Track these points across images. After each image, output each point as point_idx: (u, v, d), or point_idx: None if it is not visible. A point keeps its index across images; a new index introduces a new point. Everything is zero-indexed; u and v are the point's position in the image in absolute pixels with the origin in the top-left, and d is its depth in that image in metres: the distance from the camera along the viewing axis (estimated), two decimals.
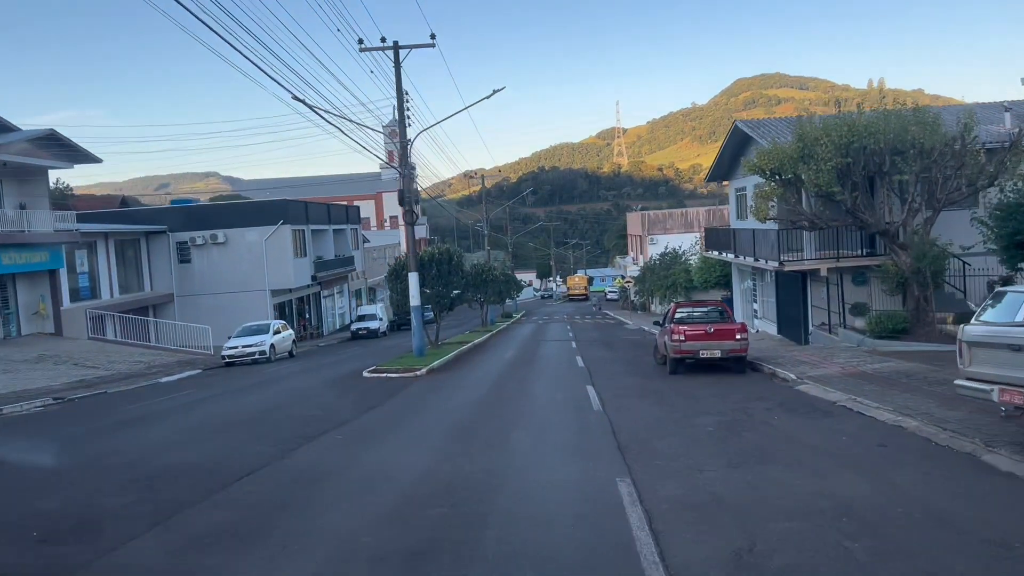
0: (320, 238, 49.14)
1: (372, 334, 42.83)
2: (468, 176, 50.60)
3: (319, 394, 17.02)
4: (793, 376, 15.81)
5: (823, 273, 22.12)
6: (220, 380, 22.63)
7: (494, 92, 23.44)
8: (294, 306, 46.62)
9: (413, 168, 23.33)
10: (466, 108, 24.27)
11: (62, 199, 51.89)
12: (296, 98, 19.63)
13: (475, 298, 41.27)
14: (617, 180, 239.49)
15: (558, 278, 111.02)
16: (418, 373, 19.12)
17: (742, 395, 14.04)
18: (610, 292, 79.05)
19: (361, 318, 46.06)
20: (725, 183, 31.78)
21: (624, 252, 72.45)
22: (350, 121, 21.91)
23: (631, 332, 34.27)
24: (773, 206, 20.89)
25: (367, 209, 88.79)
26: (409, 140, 23.19)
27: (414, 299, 23.34)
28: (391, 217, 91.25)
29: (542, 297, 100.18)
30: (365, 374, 19.52)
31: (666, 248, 48.70)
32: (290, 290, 44.09)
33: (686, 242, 51.04)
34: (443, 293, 25.31)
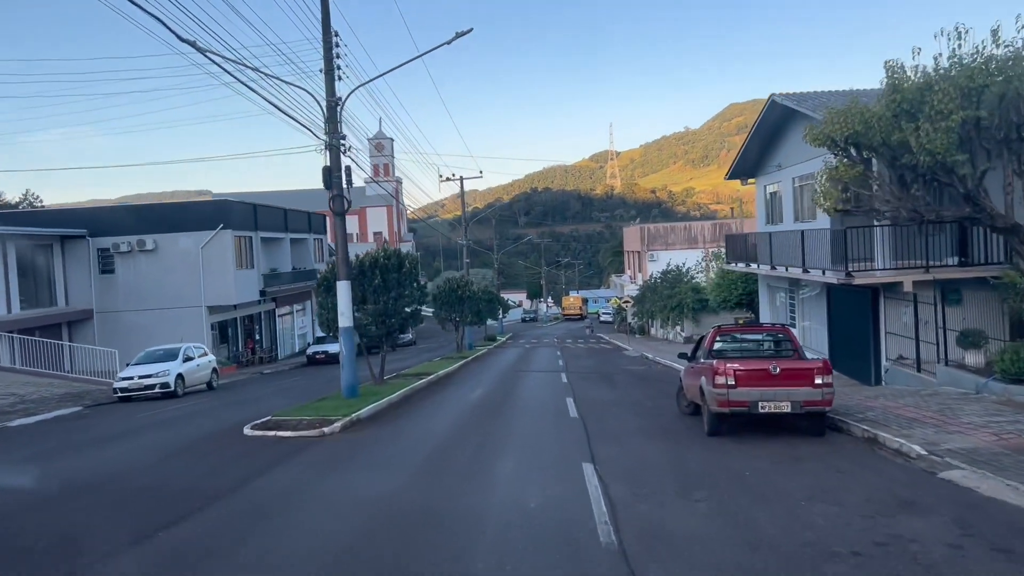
0: (274, 248, 42.78)
1: (331, 359, 36.40)
2: (446, 179, 44.34)
3: (135, 473, 10.25)
4: (919, 449, 9.57)
5: (906, 288, 15.98)
6: (83, 425, 16.44)
7: (457, 35, 17.34)
8: (240, 326, 40.17)
9: (343, 138, 17.01)
10: (421, 55, 18.09)
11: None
12: (185, 40, 13.56)
13: (449, 318, 34.99)
14: (610, 202, 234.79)
15: (549, 299, 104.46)
16: (326, 430, 12.51)
17: (860, 491, 7.84)
18: (604, 314, 72.53)
19: (320, 340, 39.69)
20: (751, 181, 25.74)
21: (620, 270, 65.31)
22: (271, 77, 15.02)
23: (632, 360, 27.62)
24: (847, 196, 14.64)
25: (351, 224, 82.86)
26: (339, 98, 16.93)
27: (343, 317, 16.92)
28: (375, 233, 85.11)
29: (523, 320, 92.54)
30: (247, 431, 12.94)
31: (668, 265, 42.52)
32: (234, 307, 37.67)
33: (691, 259, 44.99)
34: (390, 310, 18.92)
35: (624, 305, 49.00)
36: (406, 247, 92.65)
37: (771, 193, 23.77)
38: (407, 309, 19.47)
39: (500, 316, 57.18)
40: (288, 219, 44.81)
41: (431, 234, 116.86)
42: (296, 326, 48.29)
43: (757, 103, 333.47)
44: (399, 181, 78.13)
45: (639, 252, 52.63)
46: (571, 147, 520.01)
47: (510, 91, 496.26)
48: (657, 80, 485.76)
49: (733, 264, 26.08)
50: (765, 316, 25.61)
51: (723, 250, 32.98)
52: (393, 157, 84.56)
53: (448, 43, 17.28)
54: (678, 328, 37.44)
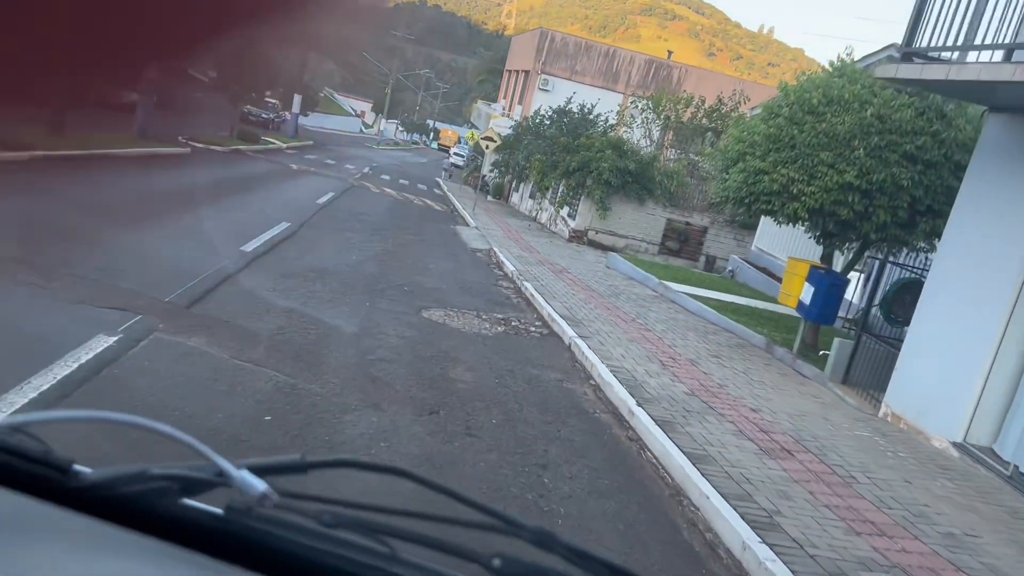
0: None
1: None
2: None
3: None
4: None
5: None
6: None
7: None
8: None
9: None
10: None
11: None
12: None
13: None
14: (499, 42, 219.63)
15: (387, 121, 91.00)
16: None
17: None
18: (456, 155, 50.39)
19: None
20: None
21: (493, 98, 44.96)
22: None
23: (456, 252, 18.56)
24: None
25: None
26: None
27: None
28: None
29: (360, 132, 79.05)
30: None
31: (568, 102, 25.96)
32: None
33: (605, 103, 27.01)
34: None
35: (485, 144, 27.27)
36: None
37: None
38: None
39: (298, 109, 38.45)
40: None
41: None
42: None
43: None
44: None
45: (527, 73, 34.12)
46: None
47: None
48: None
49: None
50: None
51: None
52: None
53: None
54: (564, 210, 23.12)
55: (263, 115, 34.09)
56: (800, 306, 9.80)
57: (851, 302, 11.46)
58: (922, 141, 8.68)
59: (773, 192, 9.30)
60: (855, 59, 9.88)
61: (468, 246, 17.03)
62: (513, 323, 9.85)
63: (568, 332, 9.39)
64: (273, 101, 38.05)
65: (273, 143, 34.10)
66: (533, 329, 9.80)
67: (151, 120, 18.87)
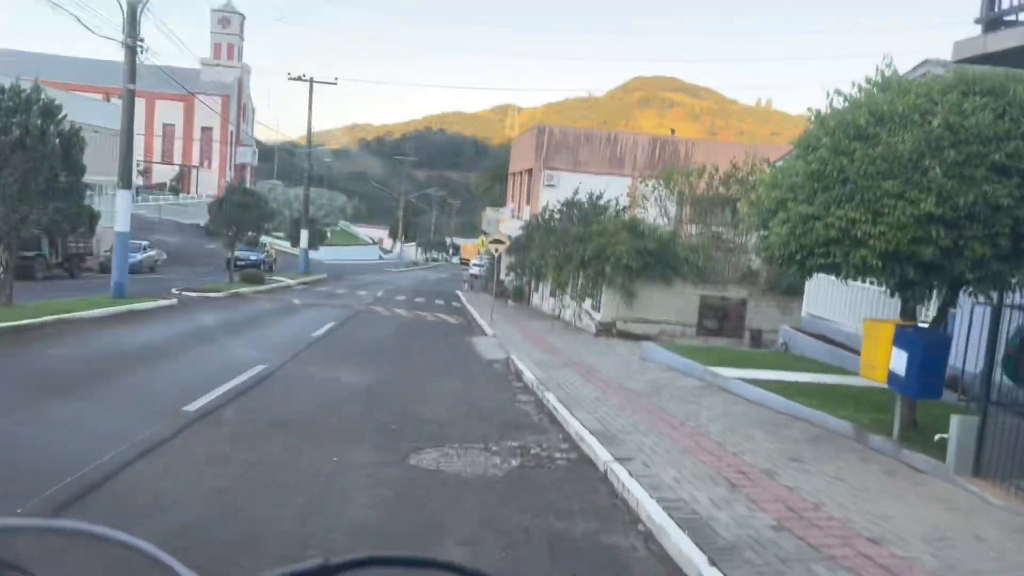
0: None
1: None
2: (296, 78, 33.19)
3: None
4: None
5: None
6: None
7: None
8: None
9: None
10: None
11: None
12: None
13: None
14: (507, 153, 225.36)
15: (405, 241, 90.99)
16: None
17: None
18: (476, 265, 50.09)
19: None
20: None
21: (501, 202, 44.49)
22: None
23: (472, 372, 12.71)
24: None
25: (172, 113, 67.86)
26: None
27: None
28: (204, 129, 70.44)
29: (380, 259, 79.22)
30: None
31: (575, 193, 25.08)
32: None
33: (612, 189, 25.76)
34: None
35: (495, 248, 25.62)
36: (246, 154, 77.97)
37: None
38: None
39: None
40: None
41: (316, 163, 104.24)
42: None
43: (660, 80, 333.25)
44: (246, 68, 64.40)
45: (531, 171, 33.10)
46: (474, 96, 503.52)
47: (416, 29, 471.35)
48: (565, 43, 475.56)
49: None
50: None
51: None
52: (242, 39, 70.07)
53: None
54: (588, 303, 21.56)
55: (251, 257, 32.98)
56: (892, 378, 7.65)
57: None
58: (1012, 147, 6.76)
59: (831, 240, 7.34)
60: (897, 70, 8.08)
61: (483, 358, 15.15)
62: (532, 451, 7.79)
63: (602, 456, 7.30)
64: (265, 242, 37.28)
65: (282, 281, 33.11)
66: (558, 456, 7.72)
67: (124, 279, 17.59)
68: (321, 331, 16.48)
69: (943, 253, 7.06)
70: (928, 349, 7.24)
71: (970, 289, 7.57)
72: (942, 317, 8.52)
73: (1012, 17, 4.99)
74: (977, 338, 7.19)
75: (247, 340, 14.51)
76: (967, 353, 7.50)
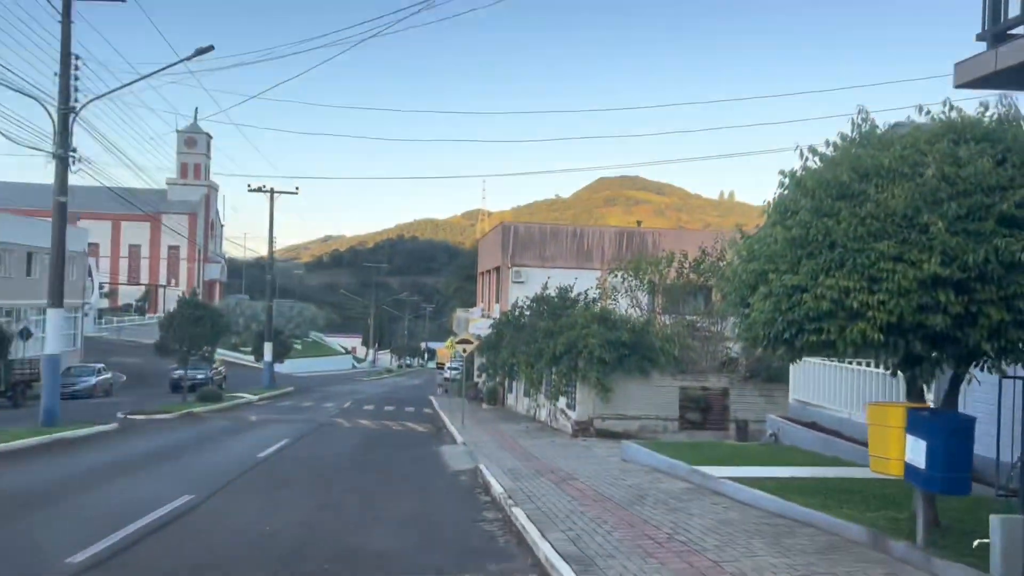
0: None
1: None
2: (256, 190, 32.86)
3: None
4: None
5: None
6: None
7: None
8: None
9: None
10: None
11: None
12: None
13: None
14: (476, 254, 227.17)
15: (379, 349, 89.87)
16: None
17: None
18: (451, 368, 46.52)
19: None
20: None
21: (471, 303, 44.18)
22: None
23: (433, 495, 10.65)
24: None
25: (138, 234, 67.13)
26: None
27: None
28: (170, 247, 69.66)
29: (353, 368, 77.44)
30: None
31: (544, 288, 24.94)
32: None
33: (581, 282, 25.36)
34: None
35: (463, 349, 23.56)
36: (214, 271, 77.23)
37: None
38: None
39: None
40: None
41: (286, 276, 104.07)
42: None
43: (625, 180, 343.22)
44: (213, 186, 64.38)
45: (498, 269, 32.97)
46: (444, 203, 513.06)
47: (388, 143, 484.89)
48: (532, 149, 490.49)
49: None
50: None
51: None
52: (209, 157, 70.43)
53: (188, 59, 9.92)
54: (562, 401, 20.14)
55: (198, 376, 31.04)
56: (911, 472, 6.49)
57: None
58: (1021, 196, 5.91)
59: (823, 314, 6.33)
60: (875, 123, 7.31)
61: (449, 469, 13.74)
62: None
63: None
64: (216, 357, 35.29)
65: (243, 397, 31.40)
66: None
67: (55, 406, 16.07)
68: (269, 451, 14.98)
69: (954, 322, 6.08)
70: (952, 436, 6.13)
71: (988, 362, 6.55)
72: (954, 395, 7.45)
73: (1019, 30, 4.24)
74: (1010, 419, 6.10)
75: (180, 467, 12.97)
76: (1000, 437, 6.39)
